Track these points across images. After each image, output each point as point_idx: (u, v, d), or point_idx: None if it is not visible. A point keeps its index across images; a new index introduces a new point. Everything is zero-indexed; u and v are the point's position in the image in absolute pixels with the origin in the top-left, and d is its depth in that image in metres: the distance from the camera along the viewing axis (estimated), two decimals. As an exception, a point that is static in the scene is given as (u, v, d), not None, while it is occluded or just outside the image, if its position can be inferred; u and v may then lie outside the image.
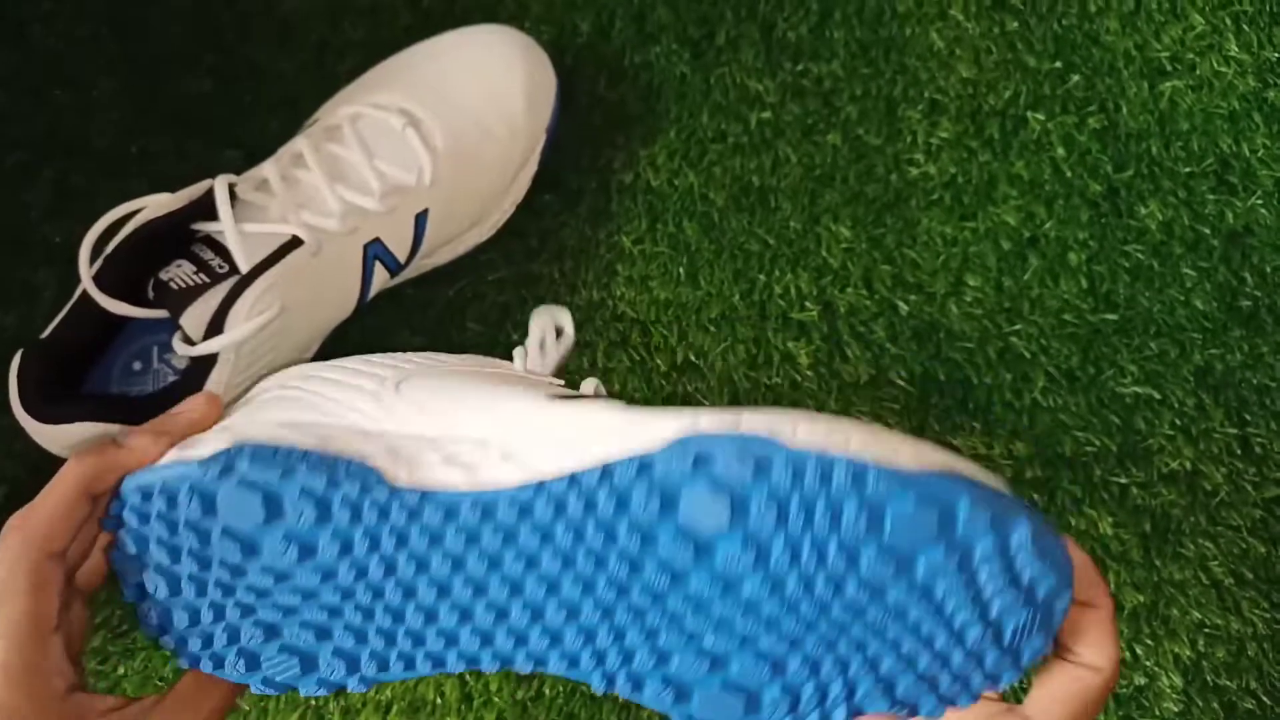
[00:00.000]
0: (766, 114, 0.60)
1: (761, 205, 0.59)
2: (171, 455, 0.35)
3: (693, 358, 0.57)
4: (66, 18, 0.61)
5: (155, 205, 0.47)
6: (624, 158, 0.59)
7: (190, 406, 0.38)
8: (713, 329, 0.57)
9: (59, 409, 0.46)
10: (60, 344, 0.48)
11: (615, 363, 0.57)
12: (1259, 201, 0.58)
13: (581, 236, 0.58)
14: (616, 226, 0.59)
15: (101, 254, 0.47)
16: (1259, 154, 0.58)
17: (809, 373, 0.56)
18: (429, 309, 0.57)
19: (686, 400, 0.56)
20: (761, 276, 0.58)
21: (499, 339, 0.57)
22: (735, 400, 0.56)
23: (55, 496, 0.35)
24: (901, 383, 0.56)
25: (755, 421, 0.30)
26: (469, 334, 0.57)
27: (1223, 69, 0.60)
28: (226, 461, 0.32)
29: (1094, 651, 0.33)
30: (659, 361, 0.57)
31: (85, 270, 0.46)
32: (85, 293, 0.47)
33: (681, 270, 0.58)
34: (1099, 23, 0.60)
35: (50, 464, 0.52)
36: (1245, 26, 0.60)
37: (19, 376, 0.46)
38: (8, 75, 0.60)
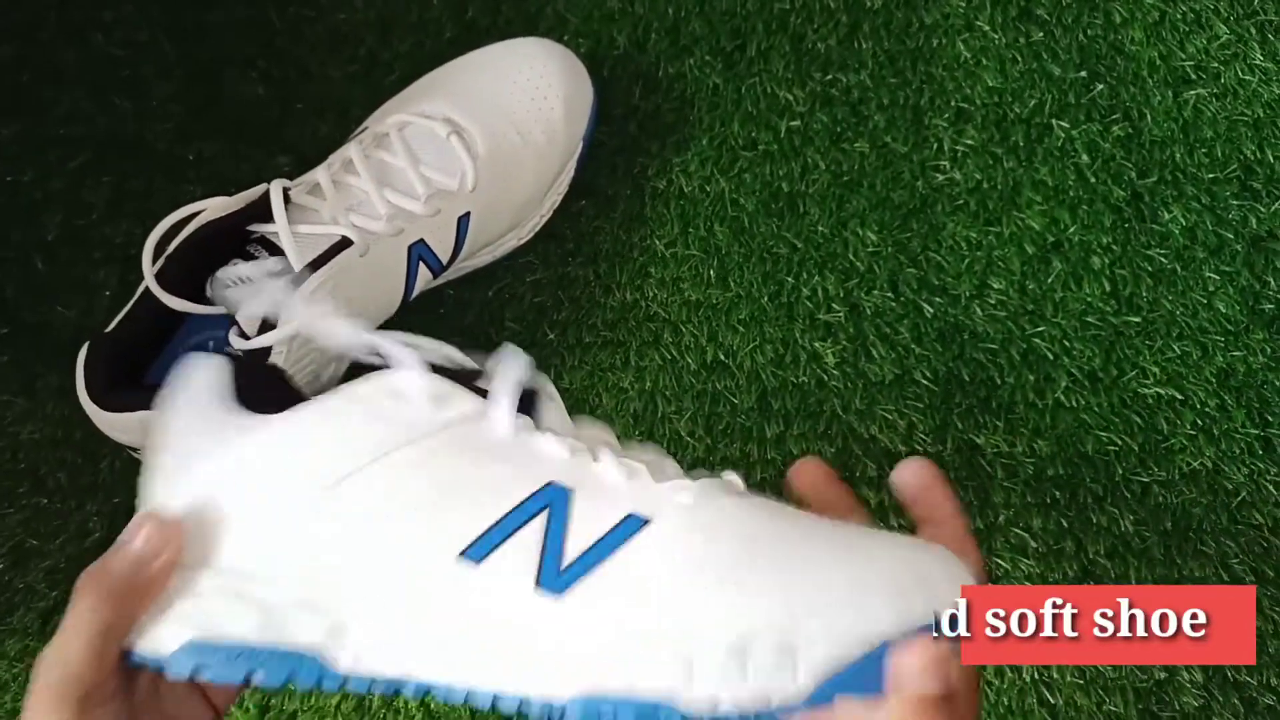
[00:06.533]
0: (796, 122, 0.61)
1: (790, 210, 0.60)
2: (138, 644, 0.34)
3: (722, 357, 0.59)
4: (126, 25, 0.64)
5: (214, 208, 0.49)
6: (658, 165, 0.61)
7: (151, 555, 0.34)
8: (742, 329, 0.59)
9: (122, 398, 0.49)
10: (123, 338, 0.51)
11: (647, 361, 0.59)
12: (1282, 207, 0.59)
13: (616, 240, 0.61)
14: (650, 231, 0.61)
15: (163, 253, 0.50)
16: (1283, 161, 0.60)
17: (835, 372, 0.58)
18: (469, 308, 0.60)
19: (715, 398, 0.58)
20: (790, 279, 0.59)
21: (536, 338, 0.59)
22: (763, 397, 0.58)
23: (78, 647, 0.33)
24: (926, 382, 0.58)
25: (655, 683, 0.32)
26: (507, 333, 0.59)
27: (1247, 77, 0.61)
28: (193, 668, 0.34)
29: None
30: (689, 360, 0.59)
31: (148, 268, 0.49)
32: (148, 290, 0.49)
33: (712, 273, 0.60)
34: (1124, 33, 0.62)
35: (105, 448, 0.55)
36: (1270, 35, 0.61)
37: (85, 367, 0.49)
38: (71, 81, 0.63)
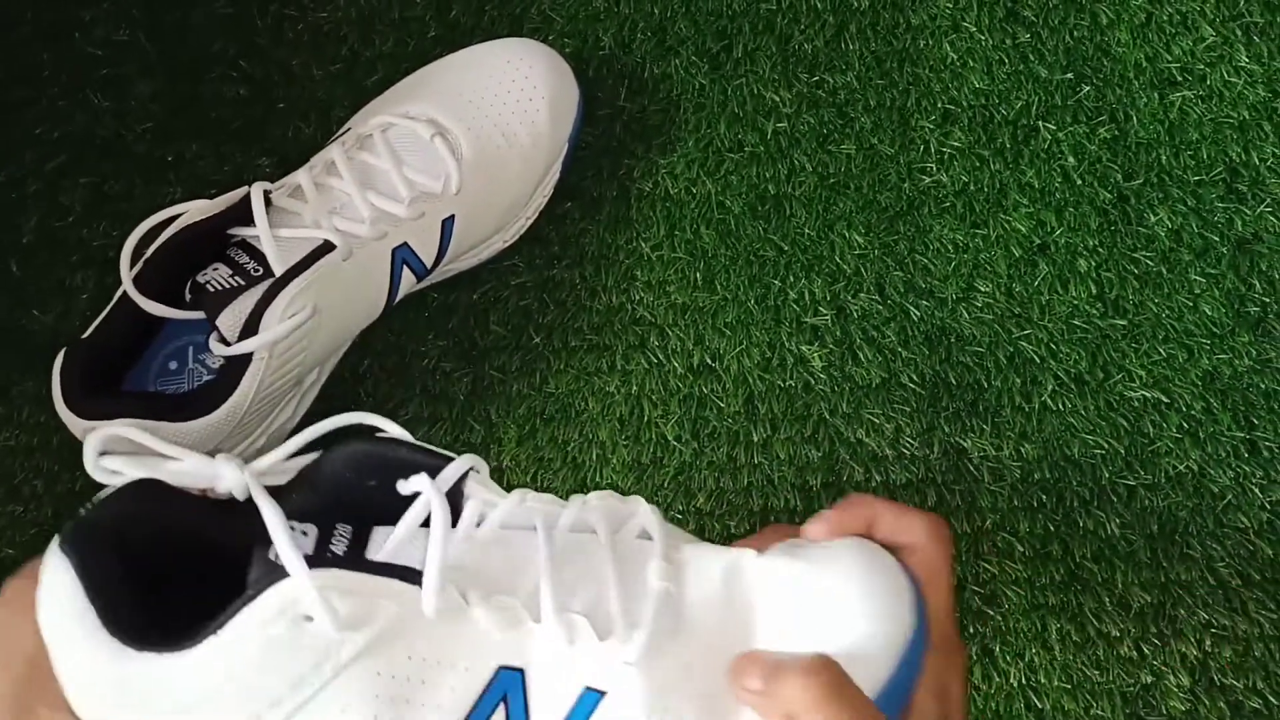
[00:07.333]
0: (782, 124, 0.61)
1: (777, 213, 0.60)
2: None
3: (709, 360, 0.58)
4: (105, 23, 0.63)
5: (194, 211, 0.49)
6: (643, 167, 0.61)
7: None
8: (728, 333, 0.59)
9: (99, 406, 0.48)
10: (100, 343, 0.50)
11: (634, 365, 0.59)
12: (1268, 209, 0.59)
13: (601, 243, 0.60)
14: (635, 233, 0.60)
15: (141, 257, 0.49)
16: (1268, 162, 0.59)
17: (822, 375, 0.58)
18: (454, 312, 0.59)
19: (702, 402, 0.58)
20: (776, 282, 0.59)
21: (521, 341, 0.59)
22: (750, 401, 0.58)
23: None
24: (912, 385, 0.58)
25: None
26: (492, 336, 0.59)
27: (1233, 80, 0.61)
28: None
29: (907, 535, 0.37)
30: (676, 364, 0.58)
31: (126, 273, 0.48)
32: (125, 294, 0.49)
33: (698, 276, 0.59)
34: (1110, 35, 0.61)
35: (82, 455, 0.54)
36: (1256, 38, 0.61)
37: (61, 374, 0.48)
38: (48, 80, 0.62)
